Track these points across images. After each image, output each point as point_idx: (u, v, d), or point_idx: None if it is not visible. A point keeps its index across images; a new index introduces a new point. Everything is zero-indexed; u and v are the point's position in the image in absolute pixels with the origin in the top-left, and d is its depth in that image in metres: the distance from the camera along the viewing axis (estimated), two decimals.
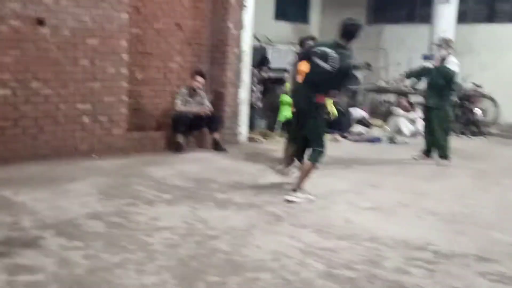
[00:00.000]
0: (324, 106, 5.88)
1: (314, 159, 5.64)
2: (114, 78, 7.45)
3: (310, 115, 5.69)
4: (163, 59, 8.48)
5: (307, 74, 5.75)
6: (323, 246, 4.27)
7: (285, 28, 14.18)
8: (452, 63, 7.91)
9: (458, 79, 12.47)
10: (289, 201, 5.51)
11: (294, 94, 6.33)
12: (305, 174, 5.65)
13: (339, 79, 5.58)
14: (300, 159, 6.26)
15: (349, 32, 5.52)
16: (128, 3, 7.55)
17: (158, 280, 3.48)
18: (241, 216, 5.00)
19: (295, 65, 6.63)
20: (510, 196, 6.24)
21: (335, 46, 5.53)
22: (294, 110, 6.14)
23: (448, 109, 8.19)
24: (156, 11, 8.24)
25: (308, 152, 5.88)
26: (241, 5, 8.85)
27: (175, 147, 8.08)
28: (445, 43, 8.14)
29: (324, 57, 5.48)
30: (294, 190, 5.64)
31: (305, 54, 5.99)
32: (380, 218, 5.13)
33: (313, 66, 5.62)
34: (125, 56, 7.54)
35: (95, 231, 4.39)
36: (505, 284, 3.66)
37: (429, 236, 4.58)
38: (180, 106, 8.13)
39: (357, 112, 11.59)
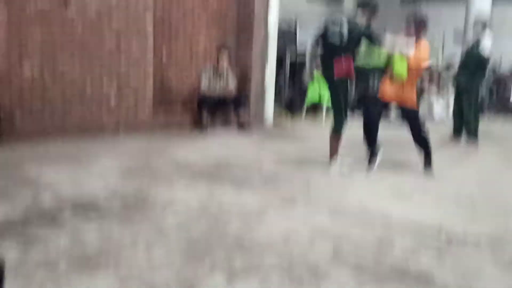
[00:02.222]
0: (346, 79, 5.86)
1: (337, 131, 6.06)
2: (140, 59, 7.56)
3: (334, 88, 5.99)
4: (189, 40, 8.53)
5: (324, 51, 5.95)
6: (335, 229, 4.26)
7: (318, 9, 14.04)
8: (486, 45, 7.70)
9: (493, 60, 12.24)
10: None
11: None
12: (334, 147, 6.04)
13: (351, 47, 5.76)
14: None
15: (362, 8, 5.80)
16: None
17: (166, 260, 3.55)
18: (256, 197, 5.03)
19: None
20: None
21: (347, 20, 5.80)
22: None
23: (479, 90, 8.01)
24: None
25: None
26: None
27: (200, 128, 8.18)
28: (480, 24, 7.93)
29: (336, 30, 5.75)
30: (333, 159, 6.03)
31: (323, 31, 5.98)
32: (396, 202, 5.08)
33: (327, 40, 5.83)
34: (150, 38, 7.62)
35: (111, 209, 4.49)
36: None
37: (444, 220, 4.51)
38: (205, 87, 8.18)
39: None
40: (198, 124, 8.22)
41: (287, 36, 10.68)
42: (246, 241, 3.93)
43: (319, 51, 5.98)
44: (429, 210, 4.86)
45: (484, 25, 7.87)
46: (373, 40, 5.67)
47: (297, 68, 10.78)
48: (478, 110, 8.14)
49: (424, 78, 11.74)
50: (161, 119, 7.94)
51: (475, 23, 8.14)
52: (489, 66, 12.28)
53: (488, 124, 10.25)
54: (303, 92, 10.09)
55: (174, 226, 4.20)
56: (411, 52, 5.63)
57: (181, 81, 8.56)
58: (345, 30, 5.67)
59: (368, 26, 5.73)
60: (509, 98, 11.45)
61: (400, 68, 5.66)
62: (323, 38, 5.86)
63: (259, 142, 7.66)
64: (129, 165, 5.97)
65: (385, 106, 6.48)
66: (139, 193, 4.98)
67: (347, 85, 5.86)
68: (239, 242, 3.91)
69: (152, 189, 5.12)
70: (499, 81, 11.78)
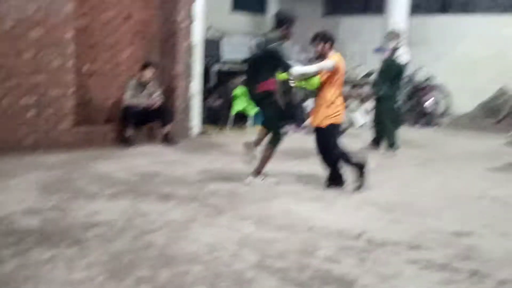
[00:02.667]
0: (270, 93, 5.92)
1: (275, 142, 5.97)
2: (60, 70, 7.33)
3: (260, 104, 6.05)
4: (111, 51, 8.37)
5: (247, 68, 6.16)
6: (260, 237, 4.30)
7: (243, 20, 14.17)
8: (402, 55, 8.04)
9: (410, 70, 12.77)
10: (248, 184, 5.95)
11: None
12: (267, 158, 6.00)
13: (269, 64, 5.81)
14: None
15: (278, 20, 5.91)
16: None
17: (86, 276, 3.45)
18: (182, 209, 5.00)
19: None
20: (451, 185, 6.38)
21: (265, 34, 6.01)
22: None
23: (397, 100, 8.33)
24: (103, 1, 8.12)
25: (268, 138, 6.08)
26: None
27: (124, 141, 8.02)
28: (394, 35, 8.27)
29: (259, 46, 5.93)
30: (257, 173, 6.02)
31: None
32: (320, 208, 5.20)
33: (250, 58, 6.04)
34: (71, 48, 7.41)
35: (29, 227, 4.32)
36: (432, 271, 3.74)
37: (365, 225, 4.66)
38: (129, 99, 8.05)
39: (312, 104, 11.64)
40: (122, 138, 8.05)
41: (212, 46, 10.69)
42: (171, 253, 3.89)
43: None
44: (351, 216, 5.00)
45: (397, 35, 8.21)
46: (281, 62, 5.72)
47: (222, 78, 10.81)
48: (397, 118, 8.46)
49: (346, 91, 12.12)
50: (82, 132, 7.71)
51: (389, 33, 8.50)
52: (407, 76, 12.87)
53: (406, 132, 10.67)
54: (229, 102, 10.12)
55: (96, 240, 4.10)
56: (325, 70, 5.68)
57: (103, 93, 8.35)
58: (261, 49, 5.84)
59: (282, 40, 5.81)
60: (427, 106, 11.98)
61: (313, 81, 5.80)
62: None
63: (185, 154, 7.61)
64: (48, 181, 5.76)
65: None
66: (58, 209, 4.82)
67: (271, 100, 5.94)
68: (164, 254, 3.86)
69: (72, 204, 4.97)
70: (417, 91, 12.33)
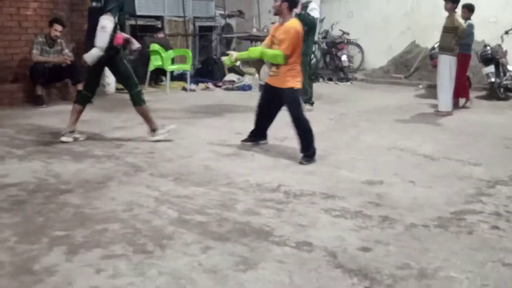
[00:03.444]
0: (117, 48, 5.63)
1: (139, 100, 5.86)
2: None
3: (115, 60, 5.71)
4: (16, 6, 7.87)
5: (90, 22, 5.68)
6: (179, 193, 4.29)
7: None
8: (314, 10, 8.08)
9: (325, 26, 12.96)
10: (156, 141, 5.84)
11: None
12: (147, 116, 5.92)
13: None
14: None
15: None
16: None
17: None
18: (98, 168, 4.88)
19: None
20: (363, 138, 6.61)
21: None
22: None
23: (310, 55, 8.43)
24: None
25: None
26: None
27: (34, 100, 7.66)
28: None
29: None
30: (154, 130, 5.92)
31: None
32: (238, 163, 5.24)
33: (91, 10, 5.68)
34: None
35: None
36: (346, 218, 3.90)
37: (282, 178, 4.76)
38: (37, 56, 7.65)
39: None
40: (32, 97, 7.68)
41: (125, 0, 10.29)
42: (87, 213, 3.81)
43: None
44: (268, 169, 5.08)
45: None
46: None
47: (138, 32, 10.49)
48: (312, 74, 8.60)
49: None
50: None
51: None
52: (322, 31, 13.05)
53: (322, 87, 10.91)
54: (145, 58, 9.86)
55: (6, 202, 3.94)
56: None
57: (9, 49, 7.88)
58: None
59: None
60: (342, 62, 12.26)
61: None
62: None
63: (100, 113, 7.38)
64: None
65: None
66: None
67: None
68: (79, 214, 3.78)
69: None
70: (332, 46, 12.56)
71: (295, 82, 5.42)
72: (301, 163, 5.30)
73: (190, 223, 3.71)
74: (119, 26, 5.65)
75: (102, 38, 5.37)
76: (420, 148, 6.11)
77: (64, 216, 3.72)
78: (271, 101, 5.63)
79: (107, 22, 5.31)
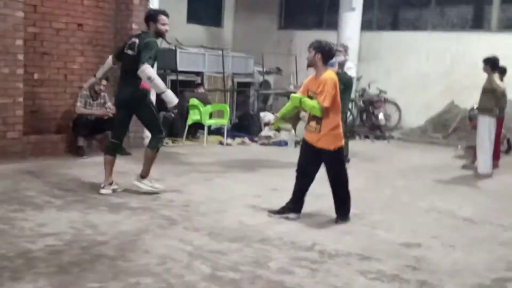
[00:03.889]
0: (143, 92, 5.79)
1: (155, 145, 5.92)
2: (9, 78, 7.14)
3: (141, 104, 5.82)
4: (63, 60, 8.22)
5: (123, 67, 5.94)
6: (213, 248, 4.28)
7: (198, 31, 14.17)
8: (351, 69, 8.18)
9: (363, 84, 13.05)
10: (138, 187, 5.91)
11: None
12: (150, 161, 5.95)
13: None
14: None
15: (145, 18, 5.87)
16: (24, 1, 7.26)
17: None
18: (134, 220, 4.92)
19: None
20: (400, 197, 6.52)
21: (139, 34, 5.84)
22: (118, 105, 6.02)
23: (346, 113, 8.47)
24: (55, 10, 7.97)
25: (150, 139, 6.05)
26: (145, 7, 8.73)
27: (76, 151, 7.85)
28: (343, 49, 8.37)
29: (132, 46, 5.72)
30: (143, 177, 5.95)
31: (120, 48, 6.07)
32: (274, 220, 5.20)
33: (125, 56, 5.80)
34: (20, 56, 7.24)
35: None
36: (382, 281, 3.80)
37: (317, 236, 4.70)
38: (80, 108, 7.90)
39: (267, 116, 11.71)
40: (74, 148, 7.89)
41: (167, 56, 10.64)
42: (121, 265, 3.82)
43: None
44: (304, 227, 5.03)
45: (346, 49, 8.34)
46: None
47: (178, 87, 10.76)
48: (347, 131, 8.59)
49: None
50: (32, 141, 7.51)
51: (336, 48, 8.54)
52: (360, 89, 13.12)
53: (358, 145, 10.87)
54: (184, 112, 10.07)
55: (43, 251, 3.98)
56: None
57: (54, 102, 8.17)
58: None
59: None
60: (378, 120, 12.24)
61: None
62: None
63: (138, 165, 7.48)
64: None
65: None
66: (5, 220, 4.66)
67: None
68: (113, 266, 3.79)
69: (20, 215, 4.83)
70: (369, 104, 12.59)
71: (338, 142, 5.18)
72: (336, 221, 5.23)
73: (222, 279, 3.67)
74: None
75: (158, 85, 5.53)
76: (459, 210, 5.97)
77: (98, 268, 3.74)
78: (310, 161, 5.34)
79: (149, 71, 5.45)
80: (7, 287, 3.34)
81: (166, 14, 5.83)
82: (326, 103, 5.01)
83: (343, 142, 5.29)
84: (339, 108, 5.23)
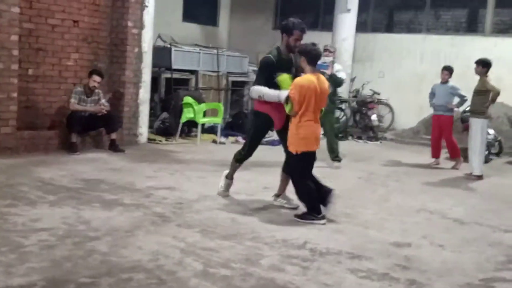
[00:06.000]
0: (259, 113, 5.68)
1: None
2: (3, 74, 7.14)
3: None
4: (58, 56, 8.22)
5: None
6: (205, 246, 4.30)
7: (194, 30, 14.19)
8: (341, 72, 8.22)
9: (356, 86, 13.12)
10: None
11: None
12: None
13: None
14: None
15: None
16: None
17: (25, 282, 3.36)
18: (126, 217, 4.94)
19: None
20: (392, 198, 6.56)
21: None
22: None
23: (335, 113, 8.57)
24: (50, 6, 7.97)
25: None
26: (141, 4, 8.76)
27: (69, 147, 7.86)
28: (330, 51, 8.35)
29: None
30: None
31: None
32: (265, 218, 5.24)
33: None
34: (15, 52, 7.24)
35: None
36: (372, 280, 3.84)
37: (308, 235, 4.73)
38: (74, 104, 7.90)
39: None
40: (67, 144, 7.89)
41: (162, 55, 10.65)
42: (114, 261, 3.84)
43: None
44: (296, 225, 5.06)
45: (332, 51, 8.35)
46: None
47: (172, 85, 10.79)
48: (338, 132, 8.67)
49: None
50: (26, 137, 7.51)
51: (324, 49, 8.48)
52: (351, 90, 13.18)
53: (351, 146, 10.93)
54: (178, 110, 10.08)
55: (36, 246, 4.00)
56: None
57: (49, 97, 8.16)
58: None
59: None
60: (371, 121, 12.30)
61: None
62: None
63: (132, 162, 7.53)
64: None
65: None
66: None
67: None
68: (106, 262, 3.81)
69: (12, 210, 4.84)
70: (362, 105, 12.65)
71: (300, 145, 5.19)
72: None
73: (214, 276, 3.70)
74: None
75: (271, 96, 5.34)
76: (450, 211, 6.03)
77: (91, 263, 3.76)
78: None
79: (255, 91, 5.41)
80: (0, 281, 3.35)
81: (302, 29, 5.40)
82: (294, 101, 5.05)
83: (306, 148, 5.23)
84: (311, 112, 5.14)
